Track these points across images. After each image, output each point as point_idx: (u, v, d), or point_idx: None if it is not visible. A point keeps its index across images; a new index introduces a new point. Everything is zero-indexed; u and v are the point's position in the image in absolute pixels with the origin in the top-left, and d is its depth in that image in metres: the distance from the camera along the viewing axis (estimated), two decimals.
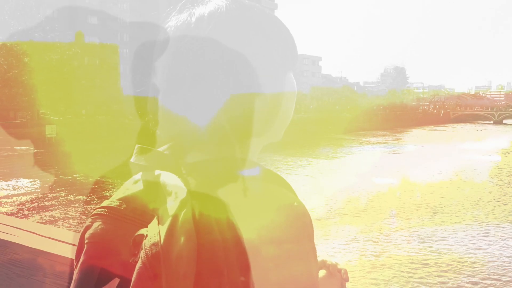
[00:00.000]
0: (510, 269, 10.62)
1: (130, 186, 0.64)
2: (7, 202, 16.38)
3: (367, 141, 47.53)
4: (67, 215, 14.86)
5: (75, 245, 0.65)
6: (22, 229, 1.29)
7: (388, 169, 26.64)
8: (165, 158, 0.66)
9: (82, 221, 13.86)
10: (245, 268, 0.54)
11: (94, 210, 0.63)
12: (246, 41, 0.66)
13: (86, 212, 15.12)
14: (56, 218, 14.53)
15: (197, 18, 0.67)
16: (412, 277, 10.06)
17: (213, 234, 0.55)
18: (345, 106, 73.65)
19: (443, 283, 9.77)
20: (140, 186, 0.62)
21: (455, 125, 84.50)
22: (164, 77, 0.67)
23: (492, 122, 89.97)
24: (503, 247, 12.20)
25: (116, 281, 0.58)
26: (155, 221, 0.56)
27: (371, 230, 13.46)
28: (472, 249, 11.95)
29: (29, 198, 17.01)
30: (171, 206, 0.56)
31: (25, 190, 18.40)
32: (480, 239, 12.86)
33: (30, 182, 19.81)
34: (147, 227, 0.57)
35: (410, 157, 33.25)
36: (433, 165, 27.60)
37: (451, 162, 29.42)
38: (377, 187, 19.99)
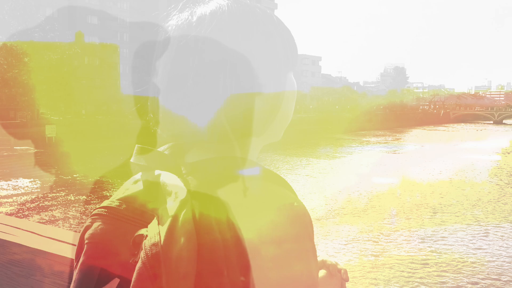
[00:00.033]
0: (510, 269, 10.62)
1: (130, 186, 0.64)
2: (7, 202, 16.38)
3: (367, 141, 47.55)
4: (67, 215, 14.86)
5: (74, 245, 0.65)
6: (21, 229, 1.29)
7: (388, 169, 26.65)
8: (165, 158, 0.66)
9: (82, 221, 13.87)
10: (245, 268, 0.54)
11: (94, 210, 0.63)
12: (248, 41, 0.66)
13: (86, 212, 15.13)
14: (56, 218, 14.53)
15: (199, 17, 0.67)
16: (412, 277, 10.06)
17: (213, 234, 0.55)
18: (345, 106, 73.73)
19: (443, 283, 9.77)
20: (140, 186, 0.62)
21: (455, 125, 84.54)
22: (165, 76, 0.67)
23: (492, 122, 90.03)
24: (503, 247, 12.20)
25: (116, 281, 0.58)
26: (155, 221, 0.56)
27: (371, 230, 13.46)
28: (472, 249, 11.95)
29: (29, 198, 17.01)
30: (171, 206, 0.56)
31: (25, 190, 18.40)
32: (480, 239, 12.87)
33: (30, 182, 19.82)
34: (147, 227, 0.57)
35: (410, 157, 33.26)
36: (433, 165, 27.61)
37: (451, 162, 29.43)
38: (377, 187, 20.00)
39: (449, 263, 10.92)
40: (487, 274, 10.27)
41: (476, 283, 9.75)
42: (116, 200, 0.62)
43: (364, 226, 13.85)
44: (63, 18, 50.89)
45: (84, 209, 15.48)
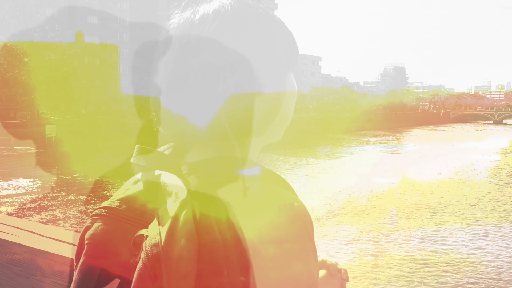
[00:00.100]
0: (510, 269, 10.62)
1: (130, 187, 0.64)
2: (7, 202, 16.38)
3: (367, 141, 47.54)
4: (67, 215, 14.86)
5: (75, 245, 0.65)
6: (22, 229, 1.29)
7: (388, 169, 26.65)
8: (165, 158, 0.66)
9: (82, 221, 13.87)
10: (246, 268, 0.54)
11: (94, 210, 0.63)
12: (249, 40, 0.66)
13: (86, 211, 15.13)
14: (56, 217, 14.53)
15: (201, 16, 0.67)
16: (412, 277, 10.06)
17: (213, 234, 0.55)
18: (345, 106, 73.74)
19: (443, 283, 9.77)
20: (140, 187, 0.62)
21: (455, 125, 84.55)
22: (166, 75, 0.67)
23: (492, 122, 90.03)
24: (503, 247, 12.20)
25: (117, 281, 0.58)
26: (155, 221, 0.56)
27: (371, 230, 13.46)
28: (472, 249, 11.95)
29: (29, 198, 17.01)
30: (172, 206, 0.56)
31: (25, 190, 18.40)
32: (480, 239, 12.87)
33: (30, 181, 19.82)
34: (147, 227, 0.57)
35: (410, 157, 33.26)
36: (433, 165, 27.62)
37: (451, 162, 29.44)
38: (377, 187, 19.99)
39: (449, 263, 10.92)
40: (487, 274, 10.27)
41: (476, 283, 9.75)
42: (116, 200, 0.62)
43: (364, 226, 13.85)
44: (63, 18, 50.88)
45: (84, 209, 15.49)
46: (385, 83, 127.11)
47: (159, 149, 0.70)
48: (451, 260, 11.08)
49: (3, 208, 15.36)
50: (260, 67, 0.66)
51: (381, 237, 12.75)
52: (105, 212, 0.61)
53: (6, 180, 19.87)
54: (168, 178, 0.60)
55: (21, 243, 1.20)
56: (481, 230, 13.65)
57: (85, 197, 17.38)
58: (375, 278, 9.96)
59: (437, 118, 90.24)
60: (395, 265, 10.63)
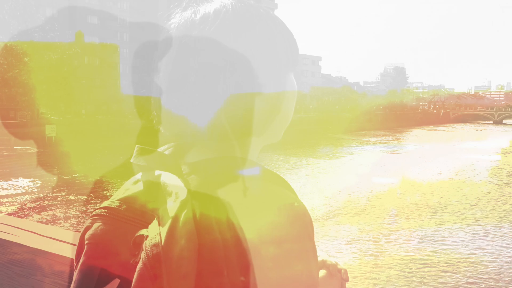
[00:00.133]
0: (510, 269, 10.62)
1: (130, 187, 0.64)
2: (7, 202, 16.38)
3: (367, 141, 47.54)
4: (67, 215, 14.86)
5: (75, 245, 0.65)
6: (22, 229, 1.29)
7: (388, 169, 26.65)
8: (165, 158, 0.66)
9: (82, 221, 13.87)
10: (246, 268, 0.55)
11: (94, 210, 0.63)
12: (250, 40, 0.66)
13: (86, 211, 15.13)
14: (56, 217, 14.53)
15: (202, 15, 0.66)
16: (412, 277, 10.06)
17: (213, 234, 0.55)
18: (345, 106, 73.72)
19: (443, 283, 9.77)
20: (140, 187, 0.62)
21: (455, 125, 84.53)
22: (166, 75, 0.67)
23: (492, 122, 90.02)
24: (503, 247, 12.20)
25: (117, 281, 0.58)
26: (155, 221, 0.56)
27: (371, 230, 13.46)
28: (472, 249, 11.95)
29: (29, 198, 17.01)
30: (172, 206, 0.56)
31: (25, 189, 18.40)
32: (480, 239, 12.87)
33: (30, 181, 19.82)
34: (147, 227, 0.57)
35: (410, 157, 33.26)
36: (433, 165, 27.62)
37: (451, 162, 29.44)
38: (377, 187, 20.00)
39: (449, 263, 10.92)
40: (487, 274, 10.27)
41: (476, 283, 9.75)
42: (116, 200, 0.62)
43: (364, 226, 13.85)
44: (63, 18, 50.88)
45: (84, 209, 15.49)
46: (385, 83, 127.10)
47: (159, 149, 0.69)
48: (451, 260, 11.08)
49: (3, 208, 15.36)
50: (261, 67, 0.66)
51: (381, 237, 12.76)
52: (105, 212, 0.61)
53: (6, 180, 19.87)
54: (168, 178, 0.60)
55: (21, 243, 1.20)
56: (481, 230, 13.65)
57: (85, 197, 17.38)
58: (375, 278, 9.96)
59: (437, 118, 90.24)
60: (395, 265, 10.63)
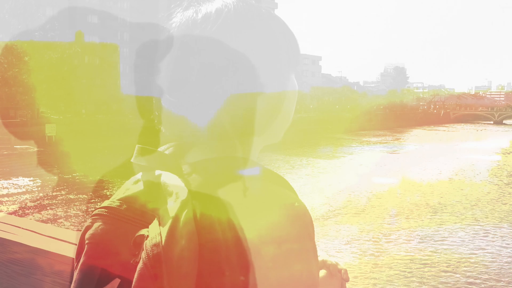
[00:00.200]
0: (510, 269, 10.62)
1: (131, 186, 0.64)
2: (7, 201, 16.38)
3: (367, 141, 47.54)
4: (67, 214, 14.87)
5: (75, 244, 0.65)
6: (22, 228, 1.29)
7: (388, 169, 26.65)
8: (165, 158, 0.66)
9: (83, 220, 13.88)
10: (246, 268, 0.55)
11: (95, 210, 0.63)
12: (251, 40, 0.66)
13: (86, 210, 15.13)
14: (57, 216, 14.54)
15: (204, 15, 0.66)
16: (412, 277, 10.06)
17: (214, 234, 0.55)
18: (345, 106, 73.69)
19: (443, 283, 9.77)
20: (140, 187, 0.62)
21: (455, 125, 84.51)
22: (167, 75, 0.67)
23: (492, 122, 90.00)
24: (503, 247, 12.21)
25: (117, 281, 0.58)
26: (156, 221, 0.56)
27: (371, 230, 13.47)
28: (472, 249, 11.96)
29: (29, 197, 17.02)
30: (172, 206, 0.56)
31: (25, 189, 18.41)
32: (480, 239, 12.87)
33: (30, 180, 19.82)
34: (147, 227, 0.57)
35: (410, 157, 33.27)
36: (433, 165, 27.62)
37: (451, 162, 29.44)
38: (377, 187, 20.00)
39: (449, 263, 10.93)
40: (487, 274, 10.28)
41: (476, 283, 9.76)
42: (117, 200, 0.62)
43: (364, 226, 13.86)
44: (63, 18, 50.86)
45: (85, 208, 15.49)
46: (385, 83, 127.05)
47: (159, 149, 0.69)
48: (450, 260, 11.09)
49: (3, 207, 15.37)
50: (262, 67, 0.66)
51: (381, 237, 12.76)
52: (105, 212, 0.61)
53: (6, 179, 19.88)
54: (169, 178, 0.60)
55: (22, 242, 1.20)
56: (481, 230, 13.65)
57: (85, 197, 17.38)
58: (375, 278, 9.96)
59: (437, 118, 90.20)
60: (395, 265, 10.63)
